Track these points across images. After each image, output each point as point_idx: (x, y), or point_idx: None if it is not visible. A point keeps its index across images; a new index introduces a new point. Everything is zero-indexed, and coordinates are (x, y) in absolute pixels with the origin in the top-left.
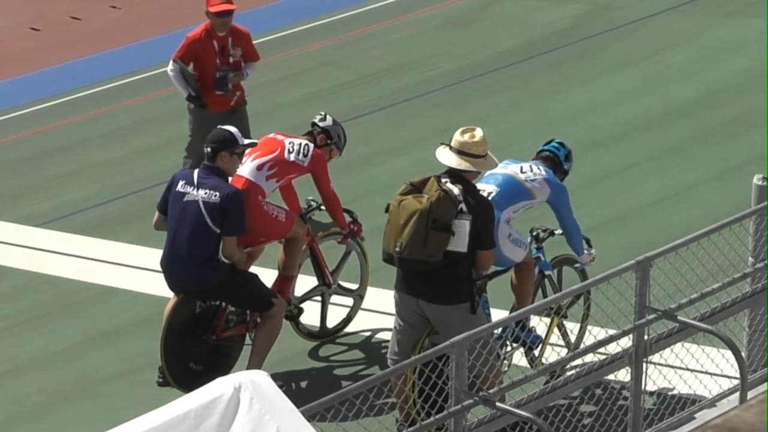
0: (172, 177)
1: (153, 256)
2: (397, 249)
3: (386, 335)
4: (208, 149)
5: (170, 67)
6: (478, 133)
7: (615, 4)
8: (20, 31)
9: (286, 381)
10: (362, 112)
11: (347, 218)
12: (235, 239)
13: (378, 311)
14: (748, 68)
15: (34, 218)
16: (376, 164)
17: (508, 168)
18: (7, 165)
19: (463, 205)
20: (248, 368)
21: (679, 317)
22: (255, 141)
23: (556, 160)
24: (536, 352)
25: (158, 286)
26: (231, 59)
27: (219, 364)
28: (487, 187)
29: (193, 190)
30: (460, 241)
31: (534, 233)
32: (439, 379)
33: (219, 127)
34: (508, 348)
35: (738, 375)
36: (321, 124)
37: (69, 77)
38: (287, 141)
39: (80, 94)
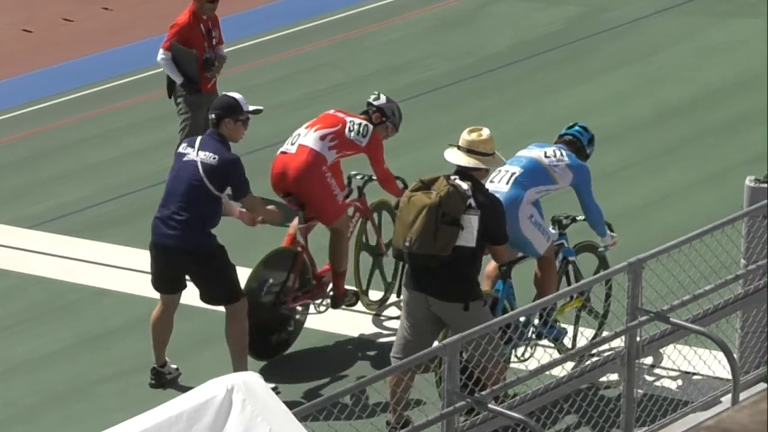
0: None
1: (146, 257)
2: (407, 244)
3: (382, 337)
4: (213, 116)
5: (161, 55)
6: (485, 132)
7: (609, 6)
8: (13, 33)
9: (279, 382)
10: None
11: (400, 185)
12: (252, 198)
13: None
14: (742, 69)
15: (27, 220)
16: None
17: (533, 152)
18: (1, 167)
19: (471, 200)
20: (234, 371)
21: (671, 319)
22: (260, 107)
23: (579, 144)
24: (566, 342)
25: (151, 288)
26: (214, 41)
27: (288, 333)
28: (511, 168)
29: (194, 151)
30: (468, 236)
31: (557, 219)
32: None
33: (224, 93)
34: (529, 348)
35: (730, 377)
36: (375, 102)
37: (62, 78)
38: (348, 119)
39: (74, 95)
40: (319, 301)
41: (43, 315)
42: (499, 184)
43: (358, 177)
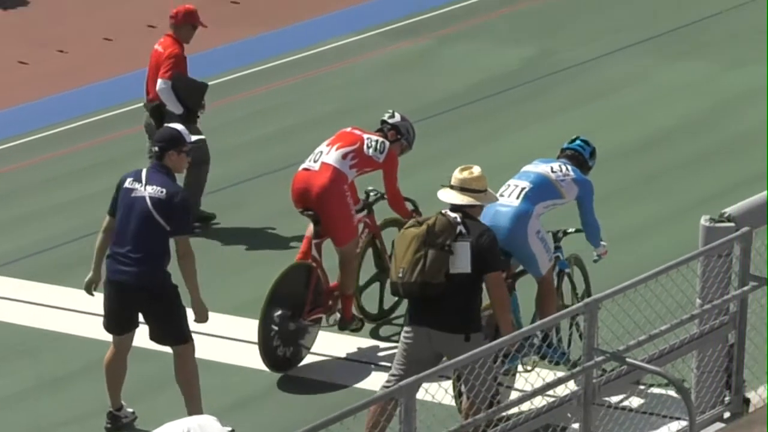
0: (120, 178)
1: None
2: (400, 275)
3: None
4: (156, 148)
5: (162, 85)
6: (476, 169)
7: (563, 47)
8: None
9: (239, 424)
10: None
11: (409, 206)
12: (187, 238)
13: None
14: (697, 110)
15: None
16: None
17: (539, 167)
18: None
19: (461, 228)
20: (189, 415)
21: (627, 359)
22: (202, 137)
23: (582, 158)
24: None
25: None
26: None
27: (301, 346)
28: (520, 183)
29: (141, 186)
30: (460, 263)
31: (552, 233)
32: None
33: (166, 125)
34: (528, 366)
35: (687, 417)
36: (390, 121)
37: (20, 121)
38: (365, 136)
39: (32, 137)
40: (330, 316)
41: (3, 359)
42: (509, 198)
43: (372, 193)
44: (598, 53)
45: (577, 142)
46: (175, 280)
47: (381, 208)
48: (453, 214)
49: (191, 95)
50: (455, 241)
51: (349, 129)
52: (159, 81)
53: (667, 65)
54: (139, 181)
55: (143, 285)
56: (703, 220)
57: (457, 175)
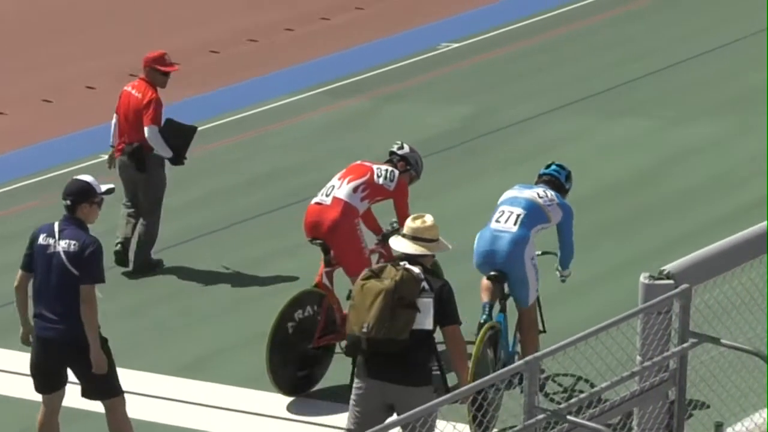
0: (32, 233)
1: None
2: (365, 330)
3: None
4: (68, 201)
5: (150, 131)
6: (428, 218)
7: (502, 105)
8: None
9: None
10: (256, 213)
11: None
12: (93, 288)
13: None
14: (637, 166)
15: None
16: (271, 265)
17: (524, 192)
18: None
19: (425, 284)
20: None
21: (568, 417)
22: (112, 186)
23: (558, 182)
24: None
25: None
26: None
27: (314, 371)
28: (515, 209)
29: (55, 242)
30: (424, 320)
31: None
32: None
33: (74, 178)
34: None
35: None
36: (400, 152)
37: None
38: (375, 166)
39: None
40: (344, 342)
41: None
42: (506, 224)
43: (395, 224)
44: (538, 111)
45: (553, 167)
46: (103, 333)
47: None
48: (416, 270)
49: (180, 139)
50: (419, 297)
51: (359, 162)
52: (147, 128)
53: (607, 122)
54: (53, 236)
55: (70, 340)
56: (643, 278)
57: (410, 224)
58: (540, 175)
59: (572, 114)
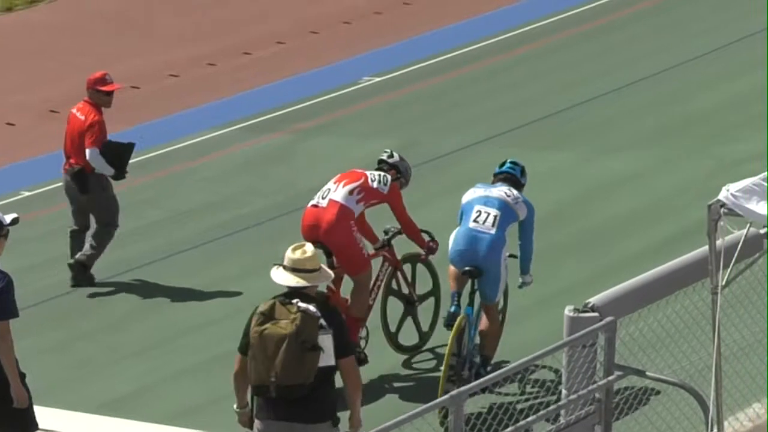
0: None
1: None
2: (273, 379)
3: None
4: None
5: (91, 154)
6: (309, 248)
7: (425, 139)
8: None
9: None
10: (178, 249)
11: (426, 237)
12: (6, 324)
13: None
14: (563, 198)
15: None
16: (192, 302)
17: (492, 191)
18: None
19: (322, 320)
20: None
21: None
22: (16, 216)
23: (515, 179)
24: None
25: None
26: None
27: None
28: (491, 210)
29: None
30: (327, 357)
31: None
32: None
33: None
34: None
35: None
36: (390, 160)
37: None
38: (368, 172)
39: None
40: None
41: None
42: (485, 225)
43: (392, 229)
44: (461, 144)
45: (507, 164)
46: (26, 369)
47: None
48: (311, 308)
49: (120, 157)
50: (319, 335)
51: (350, 170)
52: (87, 151)
53: (532, 155)
54: None
55: None
56: (567, 311)
57: (290, 256)
58: (496, 174)
59: (496, 147)
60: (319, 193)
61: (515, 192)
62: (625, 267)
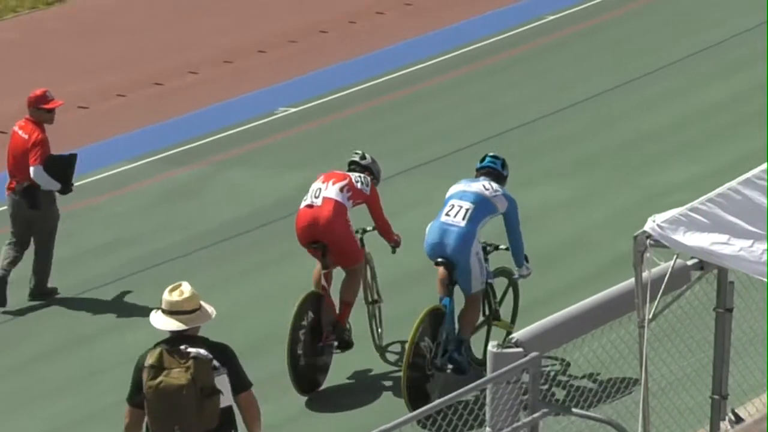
0: None
1: None
2: (177, 430)
3: None
4: None
5: (35, 172)
6: (186, 288)
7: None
8: None
9: None
10: (89, 286)
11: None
12: None
13: None
14: (485, 230)
15: None
16: (106, 339)
17: (472, 186)
18: None
19: (215, 362)
20: None
21: None
22: None
23: (497, 172)
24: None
25: None
26: None
27: (324, 368)
28: (464, 204)
29: None
30: (227, 398)
31: (487, 244)
32: None
33: None
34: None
35: None
36: (362, 162)
37: None
38: (349, 173)
39: None
40: (337, 343)
41: None
42: (455, 218)
43: (358, 230)
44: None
45: (488, 159)
46: None
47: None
48: (202, 351)
49: (63, 171)
50: (215, 377)
51: (330, 171)
52: (32, 169)
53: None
54: None
55: None
56: (491, 347)
57: (167, 298)
58: (478, 169)
59: (412, 178)
60: (310, 194)
61: (495, 185)
62: (550, 300)
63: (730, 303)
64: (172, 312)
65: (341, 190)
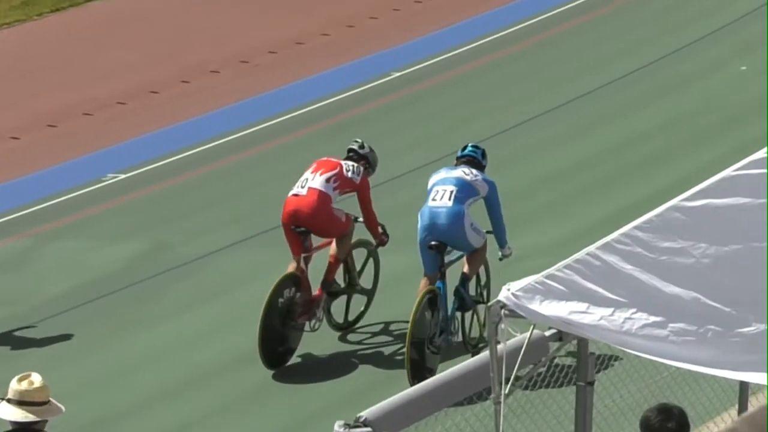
0: None
1: None
2: None
3: None
4: None
5: None
6: (36, 378)
7: (176, 241)
8: None
9: None
10: None
11: (380, 230)
12: None
13: None
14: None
15: None
16: None
17: (452, 173)
18: None
19: None
20: None
21: None
22: None
23: (477, 161)
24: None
25: None
26: None
27: (294, 344)
28: (448, 187)
29: None
30: None
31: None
32: None
33: None
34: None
35: None
36: (361, 151)
37: None
38: (342, 162)
39: None
40: (312, 322)
41: None
42: (442, 200)
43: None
44: (216, 246)
45: (469, 148)
46: None
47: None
48: None
49: None
50: None
51: (324, 158)
52: None
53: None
54: None
55: None
56: (338, 426)
57: (15, 387)
58: (458, 158)
59: (252, 248)
60: (298, 183)
61: (475, 171)
62: (402, 377)
63: (591, 376)
64: (20, 402)
65: (328, 180)
